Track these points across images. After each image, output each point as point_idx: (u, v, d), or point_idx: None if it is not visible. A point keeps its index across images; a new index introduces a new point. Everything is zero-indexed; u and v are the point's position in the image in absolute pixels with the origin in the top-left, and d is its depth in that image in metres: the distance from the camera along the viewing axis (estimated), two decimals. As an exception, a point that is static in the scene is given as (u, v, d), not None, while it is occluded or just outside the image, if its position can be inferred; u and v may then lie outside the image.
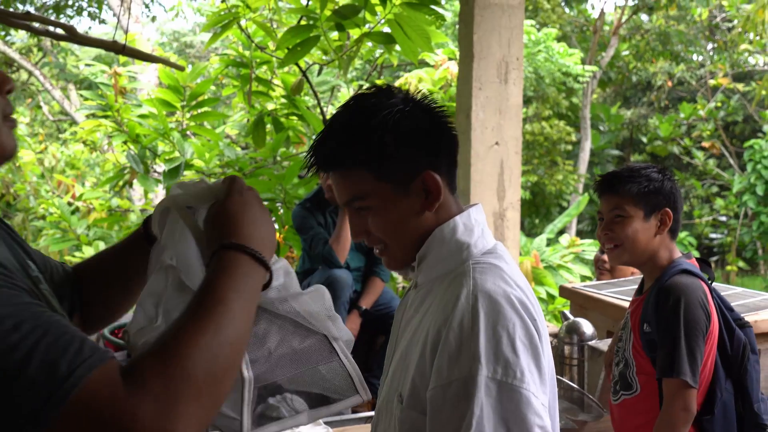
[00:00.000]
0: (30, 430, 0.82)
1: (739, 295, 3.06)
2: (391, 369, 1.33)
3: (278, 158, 5.83)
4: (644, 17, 17.03)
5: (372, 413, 3.17)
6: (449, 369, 1.17)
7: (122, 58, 6.28)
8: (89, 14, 12.58)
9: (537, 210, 15.04)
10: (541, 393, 1.18)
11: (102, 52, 13.17)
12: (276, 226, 5.00)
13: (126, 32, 4.95)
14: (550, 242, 8.41)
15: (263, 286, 1.07)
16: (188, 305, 0.97)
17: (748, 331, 2.24)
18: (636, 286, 2.42)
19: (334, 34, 4.42)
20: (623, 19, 15.47)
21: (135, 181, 5.96)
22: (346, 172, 1.30)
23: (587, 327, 2.86)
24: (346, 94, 7.28)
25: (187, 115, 5.85)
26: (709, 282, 2.22)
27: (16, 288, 0.92)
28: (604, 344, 2.73)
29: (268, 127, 5.69)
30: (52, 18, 10.72)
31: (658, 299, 2.12)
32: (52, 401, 0.83)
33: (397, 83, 6.75)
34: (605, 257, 3.99)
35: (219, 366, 0.93)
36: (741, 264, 14.89)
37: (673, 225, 2.22)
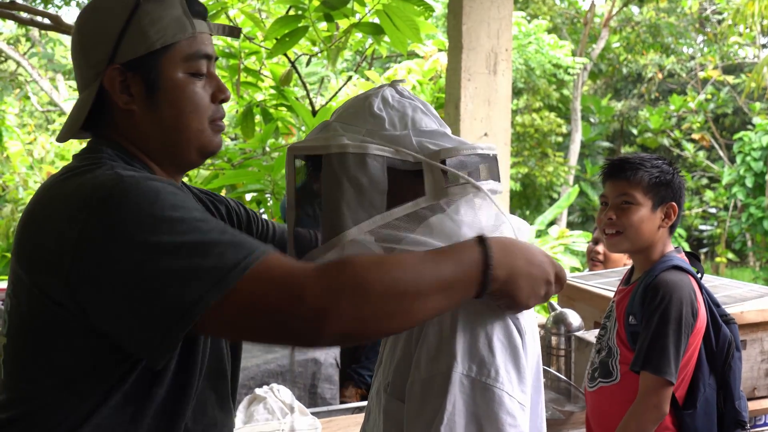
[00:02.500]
0: (217, 288, 1.05)
1: (726, 286, 3.07)
2: (383, 358, 1.33)
3: (267, 149, 5.81)
4: (635, 9, 17.03)
5: (360, 404, 3.17)
6: (427, 364, 1.18)
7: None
8: (77, 4, 12.49)
9: (527, 202, 15.06)
10: (518, 392, 1.18)
11: (91, 42, 13.07)
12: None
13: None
14: (540, 234, 8.43)
15: (476, 292, 1.13)
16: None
17: (733, 327, 2.24)
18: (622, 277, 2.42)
19: (323, 25, 4.41)
20: (614, 11, 15.47)
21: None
22: None
23: (574, 318, 2.86)
24: (335, 85, 7.26)
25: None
26: (699, 277, 2.22)
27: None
28: (590, 335, 2.74)
29: (257, 117, 5.67)
30: (40, 8, 10.65)
31: (646, 295, 2.12)
32: (240, 267, 1.05)
33: (386, 75, 6.74)
34: (598, 248, 3.98)
35: (393, 297, 1.07)
36: (730, 256, 14.96)
37: (675, 220, 2.22)
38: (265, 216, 1.50)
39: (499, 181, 1.38)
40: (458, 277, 1.11)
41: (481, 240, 1.15)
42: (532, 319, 1.31)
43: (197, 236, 1.08)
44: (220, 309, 1.06)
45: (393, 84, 1.41)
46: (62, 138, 1.36)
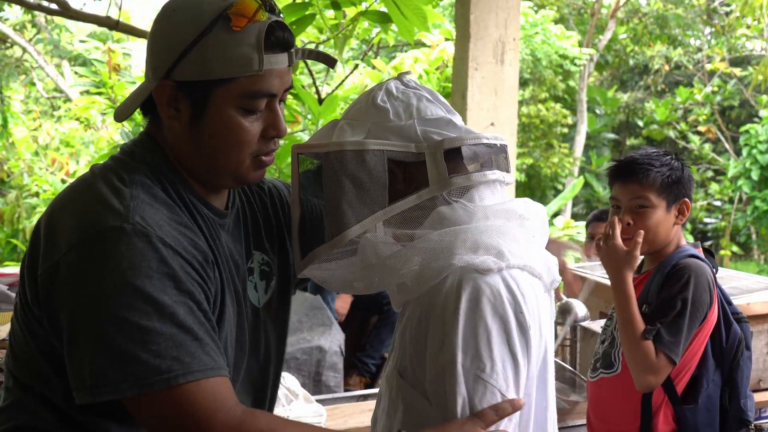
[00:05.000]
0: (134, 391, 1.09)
1: (732, 278, 3.07)
2: (396, 344, 1.35)
3: (273, 137, 5.80)
4: (642, 0, 16.95)
5: (364, 392, 3.18)
6: (436, 357, 1.20)
7: (116, 35, 6.25)
8: (84, -10, 12.46)
9: (532, 192, 15.02)
10: (513, 387, 1.19)
11: (96, 28, 13.07)
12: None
13: (120, 8, 4.92)
14: (545, 225, 8.40)
15: None
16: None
17: (744, 327, 2.23)
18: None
19: (330, 13, 4.39)
20: (621, 2, 15.40)
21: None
22: None
23: (580, 308, 2.86)
24: (341, 73, 7.25)
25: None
26: (714, 272, 2.21)
27: (197, 284, 1.18)
28: (596, 325, 2.74)
29: (264, 105, 5.65)
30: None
31: (669, 277, 2.11)
32: (168, 378, 1.08)
33: (392, 63, 6.72)
34: (600, 229, 3.95)
35: None
36: (735, 248, 14.92)
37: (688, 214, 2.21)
38: None
39: (508, 172, 1.37)
40: None
41: None
42: (545, 313, 1.30)
43: (149, 322, 1.10)
44: (136, 401, 1.11)
45: (399, 76, 1.41)
46: (118, 117, 1.36)
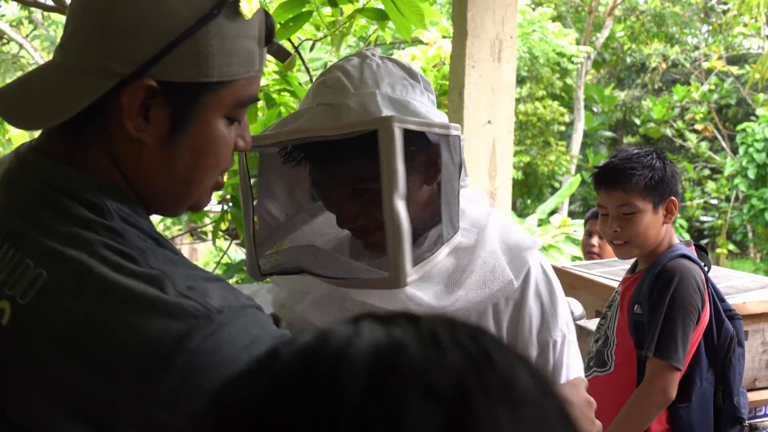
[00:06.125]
0: None
1: (728, 277, 3.07)
2: None
3: (270, 134, 5.80)
4: (640, -2, 16.96)
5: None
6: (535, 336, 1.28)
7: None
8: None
9: (529, 190, 15.03)
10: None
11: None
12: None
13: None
14: (542, 222, 8.41)
15: None
16: None
17: (737, 323, 2.23)
18: (626, 266, 2.41)
19: (327, 10, 4.38)
20: (618, 0, 15.40)
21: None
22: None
23: (576, 306, 2.85)
24: (338, 71, 7.23)
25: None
26: (706, 270, 2.21)
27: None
28: (592, 324, 2.73)
29: (260, 102, 5.65)
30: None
31: (657, 280, 2.10)
32: None
33: (390, 61, 6.70)
34: (593, 241, 3.96)
35: None
36: (731, 247, 14.94)
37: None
38: None
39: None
40: None
41: None
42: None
43: None
44: None
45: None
46: (31, 125, 0.95)
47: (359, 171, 1.16)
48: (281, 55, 1.17)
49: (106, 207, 0.90)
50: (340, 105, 1.17)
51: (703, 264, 2.20)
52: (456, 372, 0.41)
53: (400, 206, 1.07)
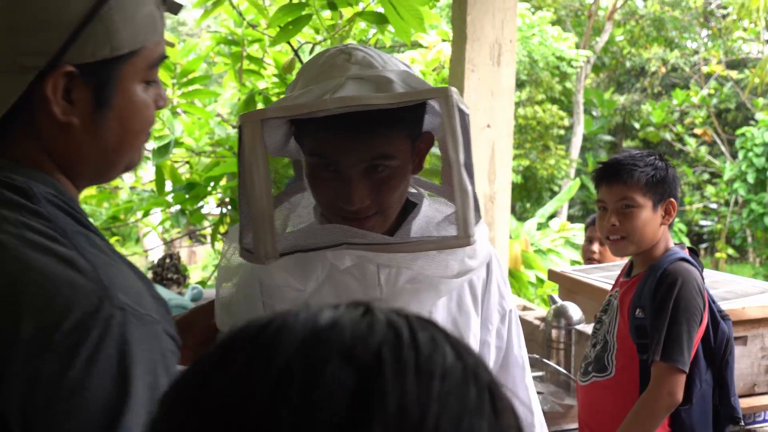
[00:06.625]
0: None
1: (727, 282, 3.06)
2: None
3: (269, 138, 5.79)
4: (639, 2, 16.96)
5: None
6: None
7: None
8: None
9: (528, 194, 15.03)
10: None
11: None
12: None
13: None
14: (541, 226, 8.42)
15: None
16: None
17: (727, 323, 2.24)
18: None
19: (327, 13, 4.38)
20: (618, 4, 15.41)
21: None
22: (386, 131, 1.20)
23: (575, 311, 2.85)
24: (338, 74, 7.22)
25: (178, 93, 5.80)
26: (700, 271, 2.21)
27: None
28: (590, 328, 2.73)
29: (259, 105, 5.64)
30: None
31: (659, 284, 2.10)
32: None
33: (389, 64, 6.70)
34: (594, 247, 3.96)
35: None
36: (730, 251, 14.94)
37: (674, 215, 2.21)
38: None
39: None
40: None
41: None
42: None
43: None
44: None
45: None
46: None
47: (384, 145, 1.19)
48: (174, 8, 1.16)
49: (33, 191, 0.95)
50: (379, 78, 1.17)
51: (698, 266, 2.21)
52: (376, 345, 0.47)
53: (464, 170, 1.14)
